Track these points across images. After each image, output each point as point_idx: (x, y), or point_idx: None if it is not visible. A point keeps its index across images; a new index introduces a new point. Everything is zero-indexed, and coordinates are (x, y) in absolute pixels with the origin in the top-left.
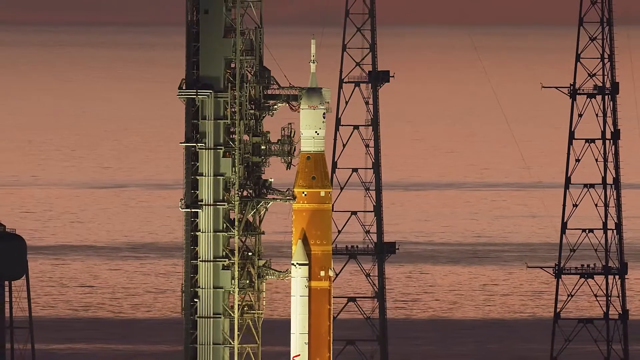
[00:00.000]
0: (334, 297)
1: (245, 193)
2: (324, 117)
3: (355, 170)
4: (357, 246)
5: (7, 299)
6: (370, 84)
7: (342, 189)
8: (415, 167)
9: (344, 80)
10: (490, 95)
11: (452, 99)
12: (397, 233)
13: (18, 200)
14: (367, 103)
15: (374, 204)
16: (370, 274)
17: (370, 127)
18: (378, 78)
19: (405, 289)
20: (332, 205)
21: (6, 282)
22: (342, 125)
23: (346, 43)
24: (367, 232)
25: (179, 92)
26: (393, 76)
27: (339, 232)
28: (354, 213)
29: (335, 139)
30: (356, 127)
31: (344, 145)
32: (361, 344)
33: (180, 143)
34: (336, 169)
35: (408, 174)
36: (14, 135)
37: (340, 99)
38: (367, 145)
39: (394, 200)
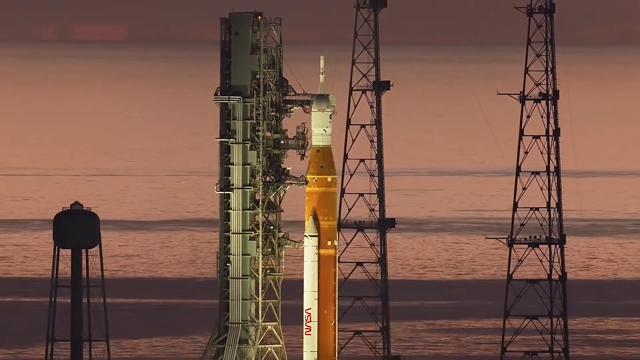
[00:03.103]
0: (345, 262)
1: (267, 179)
2: (330, 118)
3: (362, 160)
4: (363, 221)
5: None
6: (374, 91)
7: (351, 175)
8: (412, 160)
9: (353, 89)
10: (471, 99)
11: (440, 104)
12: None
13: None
14: (371, 107)
15: (377, 187)
16: (375, 244)
17: (374, 126)
18: (380, 87)
19: (402, 254)
20: (343, 188)
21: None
22: (352, 124)
23: (355, 58)
24: (372, 210)
25: (215, 98)
26: (392, 85)
27: (349, 210)
28: (361, 195)
29: (346, 135)
30: (363, 125)
31: (353, 141)
32: (367, 299)
33: (216, 139)
34: (347, 159)
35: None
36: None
37: (350, 103)
38: (371, 140)
39: (393, 185)
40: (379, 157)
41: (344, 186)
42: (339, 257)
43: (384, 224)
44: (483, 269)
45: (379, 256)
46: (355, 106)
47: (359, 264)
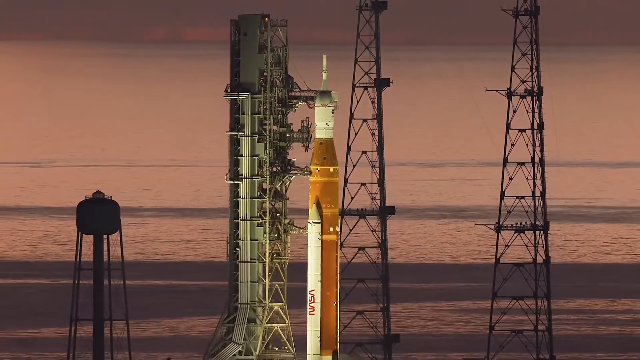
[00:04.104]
0: (348, 247)
1: (274, 169)
2: (332, 113)
3: (364, 152)
4: (365, 209)
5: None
6: (375, 88)
7: (354, 166)
8: (410, 151)
9: (356, 85)
10: (465, 94)
11: (436, 99)
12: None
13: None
14: (373, 102)
15: (378, 177)
16: (375, 230)
17: (375, 120)
18: (381, 84)
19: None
20: (347, 178)
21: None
22: (355, 119)
23: (357, 57)
24: (373, 198)
25: (225, 94)
26: (392, 82)
27: (352, 198)
28: (363, 184)
29: (349, 129)
30: (365, 120)
31: (355, 134)
32: (369, 282)
33: (226, 132)
34: (350, 151)
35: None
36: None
37: (353, 99)
38: (373, 134)
39: (394, 174)
40: (380, 149)
41: (347, 176)
42: (342, 242)
43: (384, 211)
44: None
45: (380, 241)
46: (357, 102)
47: (361, 248)
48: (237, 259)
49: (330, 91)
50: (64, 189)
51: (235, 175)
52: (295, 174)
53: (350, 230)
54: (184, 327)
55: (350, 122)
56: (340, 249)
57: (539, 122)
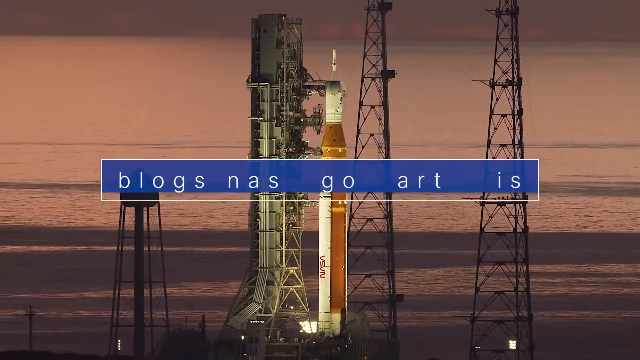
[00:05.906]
0: (357, 218)
1: (290, 150)
2: (341, 100)
3: (372, 135)
4: None
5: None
6: (381, 78)
7: (363, 147)
8: (410, 134)
9: (365, 76)
10: (463, 85)
11: (434, 89)
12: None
13: None
14: (379, 91)
15: (385, 157)
16: (382, 203)
17: (382, 107)
18: (387, 75)
19: (405, 211)
20: (356, 157)
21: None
22: (363, 106)
23: (366, 51)
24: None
25: (247, 83)
26: (397, 73)
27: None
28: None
29: (358, 115)
30: (372, 106)
31: (364, 119)
32: (376, 248)
33: (248, 117)
34: (359, 134)
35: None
36: None
37: (362, 88)
38: (379, 119)
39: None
40: (386, 133)
41: (357, 157)
42: (352, 214)
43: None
44: (464, 222)
45: (386, 213)
46: (366, 91)
47: (369, 219)
48: (258, 228)
49: (340, 81)
50: None
51: (255, 155)
52: (308, 154)
53: (360, 204)
54: (218, 289)
55: (360, 108)
56: (351, 219)
57: (518, 109)
